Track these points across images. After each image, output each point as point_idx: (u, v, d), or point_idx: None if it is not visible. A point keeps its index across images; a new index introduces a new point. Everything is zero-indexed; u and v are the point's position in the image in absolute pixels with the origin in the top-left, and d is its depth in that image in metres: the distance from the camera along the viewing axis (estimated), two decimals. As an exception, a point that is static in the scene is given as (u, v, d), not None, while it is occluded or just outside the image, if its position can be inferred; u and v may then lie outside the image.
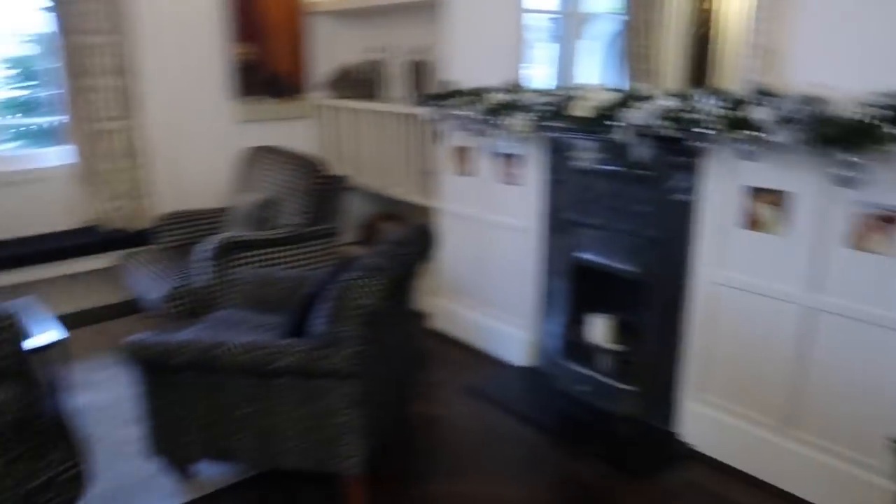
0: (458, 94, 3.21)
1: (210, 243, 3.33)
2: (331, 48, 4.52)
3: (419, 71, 3.92)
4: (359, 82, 4.43)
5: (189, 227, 3.97)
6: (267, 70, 4.33)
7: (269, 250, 3.52)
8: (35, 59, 3.89)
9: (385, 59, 4.32)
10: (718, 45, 3.26)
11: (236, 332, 2.49)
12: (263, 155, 4.12)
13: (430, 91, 3.50)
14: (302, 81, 4.49)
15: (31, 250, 3.60)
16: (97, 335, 3.76)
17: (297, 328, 2.26)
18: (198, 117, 4.16)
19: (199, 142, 4.18)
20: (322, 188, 3.73)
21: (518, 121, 2.87)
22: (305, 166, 3.76)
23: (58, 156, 3.88)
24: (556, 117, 2.73)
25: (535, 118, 2.81)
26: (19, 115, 3.93)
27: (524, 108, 2.86)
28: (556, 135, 2.81)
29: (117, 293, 3.99)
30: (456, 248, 3.56)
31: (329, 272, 2.44)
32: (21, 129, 3.96)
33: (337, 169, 4.08)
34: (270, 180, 3.86)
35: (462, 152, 3.41)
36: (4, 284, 3.49)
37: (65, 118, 3.78)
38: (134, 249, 3.85)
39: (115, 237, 3.87)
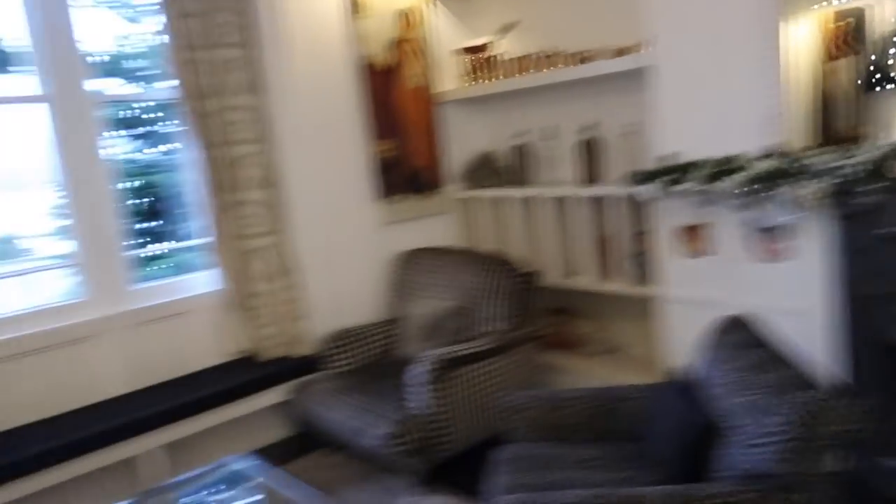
0: (688, 167, 2.89)
1: (422, 364, 2.88)
2: (463, 137, 4.23)
3: (591, 150, 3.62)
4: (503, 169, 4.13)
5: (360, 345, 3.51)
6: (407, 166, 3.99)
7: (479, 364, 3.07)
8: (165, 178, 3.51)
9: (530, 143, 4.03)
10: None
11: (573, 474, 2.01)
12: (424, 257, 3.73)
13: (641, 169, 3.16)
14: (440, 174, 4.15)
15: (196, 396, 3.07)
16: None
17: (691, 467, 1.81)
18: (344, 224, 3.72)
19: (347, 251, 3.73)
20: (521, 287, 3.33)
21: (805, 189, 2.54)
22: (499, 265, 3.37)
23: (202, 283, 3.44)
24: (869, 180, 2.41)
25: (832, 184, 2.49)
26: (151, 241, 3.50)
27: (811, 175, 2.53)
28: (865, 200, 2.47)
29: (278, 430, 3.48)
30: (685, 337, 3.15)
31: (669, 391, 2.02)
32: (154, 257, 3.52)
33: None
34: (450, 284, 3.45)
35: (692, 231, 3.06)
36: (176, 438, 2.97)
37: (208, 239, 3.36)
38: (305, 378, 3.36)
39: (278, 367, 3.38)
